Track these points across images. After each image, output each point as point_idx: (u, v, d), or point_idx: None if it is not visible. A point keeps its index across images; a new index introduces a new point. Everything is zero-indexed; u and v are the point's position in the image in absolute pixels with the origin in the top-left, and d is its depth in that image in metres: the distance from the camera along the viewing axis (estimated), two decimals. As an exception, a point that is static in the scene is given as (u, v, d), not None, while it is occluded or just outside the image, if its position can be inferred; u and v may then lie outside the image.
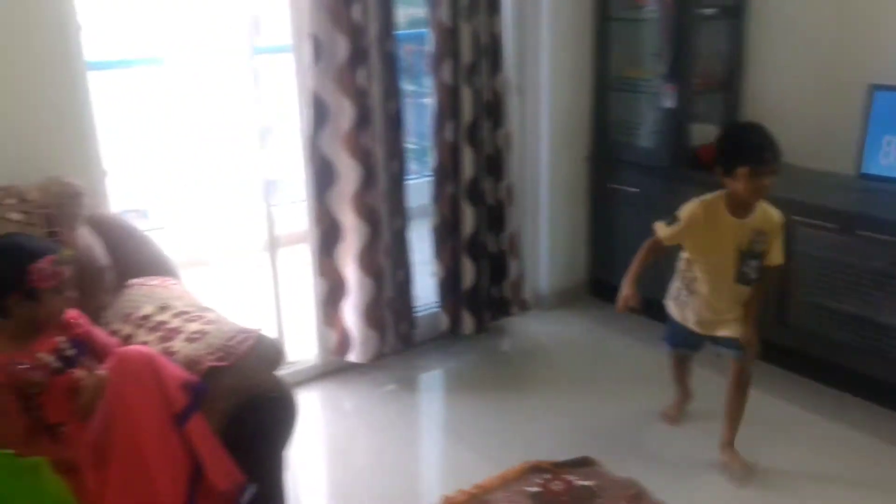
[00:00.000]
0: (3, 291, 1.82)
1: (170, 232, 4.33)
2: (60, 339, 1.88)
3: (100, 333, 2.01)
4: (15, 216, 2.18)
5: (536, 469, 2.53)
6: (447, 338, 3.49)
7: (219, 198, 4.87)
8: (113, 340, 2.03)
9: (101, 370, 1.86)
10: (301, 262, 3.32)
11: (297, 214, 3.61)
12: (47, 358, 1.84)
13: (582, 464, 2.55)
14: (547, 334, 3.65)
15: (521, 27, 3.50)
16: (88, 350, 1.92)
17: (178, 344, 2.01)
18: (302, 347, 3.27)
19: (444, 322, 3.43)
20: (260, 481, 1.91)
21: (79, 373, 1.84)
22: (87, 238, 2.31)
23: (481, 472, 2.55)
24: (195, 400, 1.83)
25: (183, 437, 1.78)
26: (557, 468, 2.53)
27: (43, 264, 1.83)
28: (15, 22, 2.32)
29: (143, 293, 2.24)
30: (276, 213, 3.15)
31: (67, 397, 1.85)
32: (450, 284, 3.39)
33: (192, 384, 1.85)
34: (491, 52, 3.24)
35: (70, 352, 1.88)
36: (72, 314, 1.96)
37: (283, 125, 4.19)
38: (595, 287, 3.93)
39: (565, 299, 3.87)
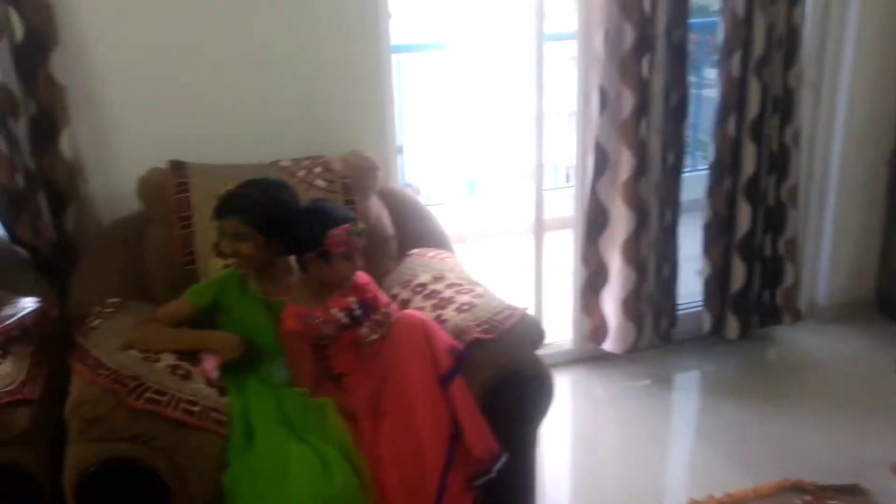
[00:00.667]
0: (303, 249, 2.04)
1: (441, 208, 4.58)
2: (351, 300, 2.08)
3: (383, 296, 2.20)
4: (320, 183, 2.44)
5: (796, 488, 2.38)
6: (708, 339, 3.36)
7: (490, 178, 5.08)
8: (393, 306, 2.21)
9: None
10: (560, 247, 3.36)
11: (556, 200, 3.68)
12: (338, 314, 2.04)
13: (850, 491, 2.36)
14: (820, 349, 3.39)
15: (824, 18, 3.24)
16: (374, 311, 2.11)
17: (448, 313, 2.14)
18: (557, 331, 3.32)
19: (707, 323, 3.31)
20: (512, 453, 1.98)
21: (364, 331, 2.03)
22: (377, 208, 2.54)
23: (733, 481, 2.45)
24: (458, 364, 1.94)
25: (447, 398, 1.91)
26: (821, 491, 2.36)
27: (339, 231, 2.00)
28: (337, 8, 2.60)
29: (422, 263, 2.42)
30: (544, 198, 3.21)
31: (352, 351, 2.05)
32: (717, 284, 3.26)
33: (457, 350, 1.96)
34: (786, 44, 3.04)
35: (358, 312, 2.07)
36: (363, 279, 2.15)
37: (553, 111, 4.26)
38: (884, 304, 3.57)
39: (845, 314, 3.56)
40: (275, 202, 2.05)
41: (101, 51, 2.45)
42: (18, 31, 2.27)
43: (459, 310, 2.14)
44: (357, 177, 2.50)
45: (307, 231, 2.02)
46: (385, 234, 2.52)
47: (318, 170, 2.47)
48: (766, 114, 3.08)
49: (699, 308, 3.33)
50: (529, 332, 2.12)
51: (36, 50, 2.29)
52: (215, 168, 2.41)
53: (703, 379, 3.29)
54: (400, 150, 2.91)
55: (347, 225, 2.02)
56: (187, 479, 1.81)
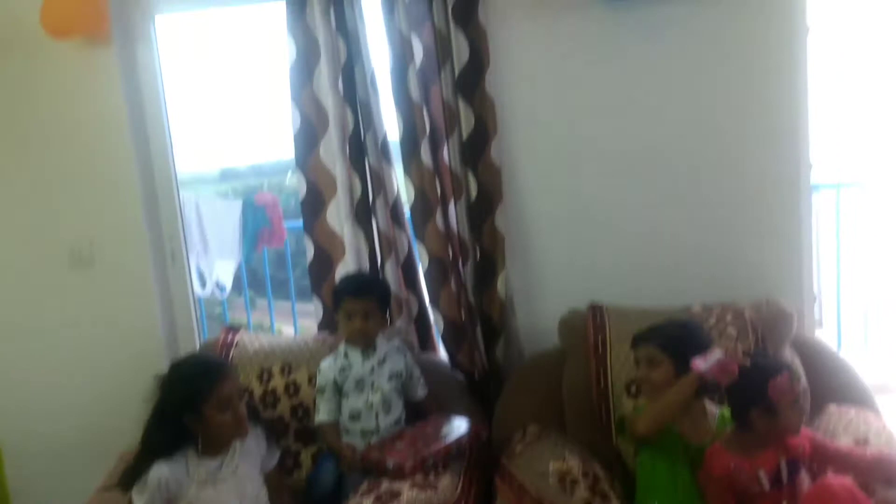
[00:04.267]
0: (748, 404, 1.99)
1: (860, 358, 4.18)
2: (781, 460, 2.00)
3: (839, 449, 2.07)
4: (731, 331, 2.45)
5: None
6: None
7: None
8: (854, 453, 2.05)
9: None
10: None
11: None
12: (763, 477, 1.98)
13: None
14: None
15: None
16: (805, 468, 2.01)
17: (876, 485, 1.97)
18: None
19: None
20: None
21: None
22: (790, 358, 2.46)
23: None
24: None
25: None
26: None
27: (782, 380, 1.96)
28: (757, 148, 2.66)
29: (842, 423, 2.26)
30: None
31: None
32: None
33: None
34: None
35: (784, 472, 1.99)
36: (797, 439, 2.03)
37: None
38: None
39: None
40: (690, 333, 2.22)
41: (535, 206, 2.82)
42: (472, 190, 2.71)
43: (890, 483, 1.95)
44: (769, 325, 2.46)
45: (748, 383, 2.00)
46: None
47: (729, 317, 2.48)
48: None
49: None
50: None
51: (485, 205, 2.71)
52: (629, 311, 2.56)
53: None
54: (815, 299, 2.79)
55: (786, 372, 1.99)
56: None
